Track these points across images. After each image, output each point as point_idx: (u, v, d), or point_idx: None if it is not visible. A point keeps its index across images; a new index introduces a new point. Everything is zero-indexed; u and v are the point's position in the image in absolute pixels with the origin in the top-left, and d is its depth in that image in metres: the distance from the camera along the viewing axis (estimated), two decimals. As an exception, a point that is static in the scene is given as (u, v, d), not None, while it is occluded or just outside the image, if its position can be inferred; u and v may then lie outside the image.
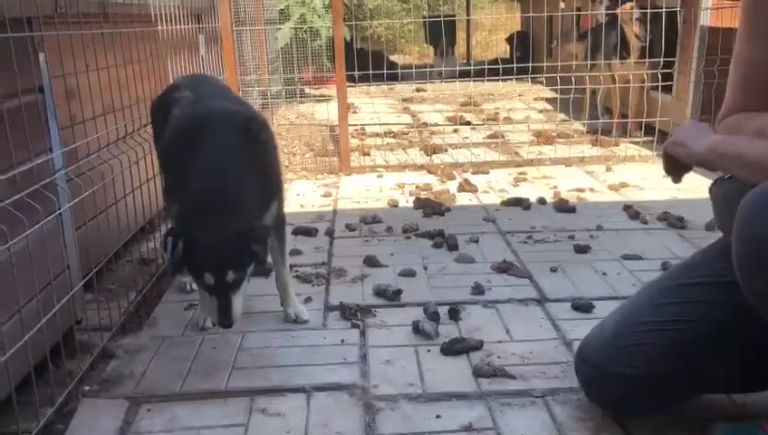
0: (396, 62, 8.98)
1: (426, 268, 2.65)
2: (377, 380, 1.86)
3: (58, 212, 1.90)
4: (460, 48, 10.93)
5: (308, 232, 3.09)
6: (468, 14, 11.38)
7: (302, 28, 6.46)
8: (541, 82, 7.62)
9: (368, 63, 4.74)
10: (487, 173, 4.21)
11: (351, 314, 2.24)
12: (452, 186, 3.89)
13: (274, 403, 1.76)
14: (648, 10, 4.59)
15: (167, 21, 3.25)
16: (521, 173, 4.17)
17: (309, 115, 6.23)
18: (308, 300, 2.37)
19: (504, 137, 5.10)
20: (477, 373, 1.86)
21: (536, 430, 1.63)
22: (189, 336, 2.15)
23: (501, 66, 4.87)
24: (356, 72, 4.79)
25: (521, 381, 1.83)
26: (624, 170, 4.19)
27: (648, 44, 4.65)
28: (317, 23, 6.66)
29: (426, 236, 3.01)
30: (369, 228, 3.17)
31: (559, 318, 2.20)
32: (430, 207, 3.43)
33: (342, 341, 2.09)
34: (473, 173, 4.20)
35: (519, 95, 7.35)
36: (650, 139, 4.60)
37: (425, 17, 10.24)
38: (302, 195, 3.84)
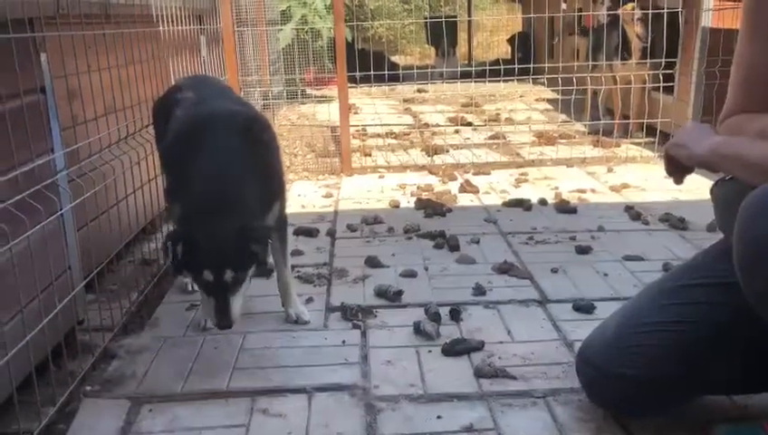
0: (397, 63, 8.98)
1: (427, 269, 2.65)
2: (378, 380, 1.86)
3: (60, 213, 1.90)
4: (461, 49, 10.92)
5: (309, 233, 3.10)
6: (470, 15, 11.38)
7: (303, 29, 6.46)
8: (542, 83, 7.60)
9: (369, 64, 4.74)
10: (488, 174, 4.21)
11: (353, 314, 2.24)
12: (453, 186, 3.89)
13: (276, 404, 1.76)
14: (650, 11, 4.59)
15: (168, 22, 3.25)
16: (522, 174, 4.17)
17: (310, 116, 6.23)
18: (309, 301, 2.37)
19: (505, 138, 5.10)
20: (478, 374, 1.86)
21: (537, 430, 1.63)
22: (191, 337, 2.16)
23: (502, 67, 4.89)
24: (357, 73, 4.79)
25: (522, 381, 1.83)
26: (625, 171, 4.19)
27: (649, 45, 4.65)
28: (318, 23, 6.67)
29: (427, 236, 3.01)
30: (371, 229, 3.17)
31: (560, 319, 2.20)
32: (431, 207, 3.43)
33: (343, 341, 2.09)
34: (474, 174, 4.20)
35: (520, 96, 7.35)
36: (652, 140, 4.60)
37: (426, 18, 10.25)
38: (303, 195, 3.84)
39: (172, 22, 3.31)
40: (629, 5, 4.83)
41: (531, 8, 5.68)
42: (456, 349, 1.99)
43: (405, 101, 7.46)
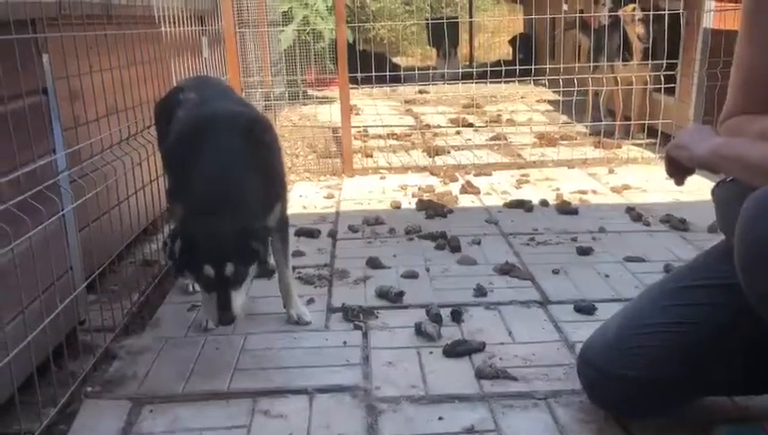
0: (398, 64, 8.99)
1: (428, 270, 2.65)
2: (379, 381, 1.86)
3: (61, 213, 1.90)
4: (463, 50, 10.93)
5: (311, 233, 3.10)
6: (471, 16, 11.39)
7: (305, 30, 6.47)
8: (543, 85, 7.62)
9: (370, 65, 4.74)
10: (490, 175, 4.21)
11: (354, 315, 2.24)
12: (454, 188, 3.89)
13: (277, 405, 1.76)
14: (651, 12, 4.59)
15: (170, 23, 3.26)
16: (523, 175, 4.17)
17: (312, 117, 6.24)
18: (310, 301, 2.37)
19: (506, 139, 5.10)
20: (479, 375, 1.86)
21: (538, 432, 1.63)
22: (192, 337, 2.16)
23: (503, 68, 4.87)
24: (359, 74, 4.80)
25: (523, 383, 1.83)
26: (626, 172, 4.19)
27: (650, 46, 4.65)
28: (320, 25, 6.67)
29: (428, 237, 3.01)
30: (372, 230, 3.17)
31: (561, 320, 2.19)
32: (433, 208, 3.43)
33: (345, 342, 2.09)
34: (475, 175, 4.20)
35: (521, 97, 7.35)
36: (653, 141, 4.60)
37: (427, 19, 10.25)
38: (304, 196, 3.85)
39: (174, 23, 3.32)
40: (630, 6, 4.83)
41: (532, 9, 5.68)
42: (458, 350, 1.98)
43: (406, 102, 7.46)
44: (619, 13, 4.91)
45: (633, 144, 4.76)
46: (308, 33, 6.39)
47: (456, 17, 10.84)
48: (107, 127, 2.37)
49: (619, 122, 4.99)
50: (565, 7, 6.93)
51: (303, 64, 6.38)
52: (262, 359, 2.00)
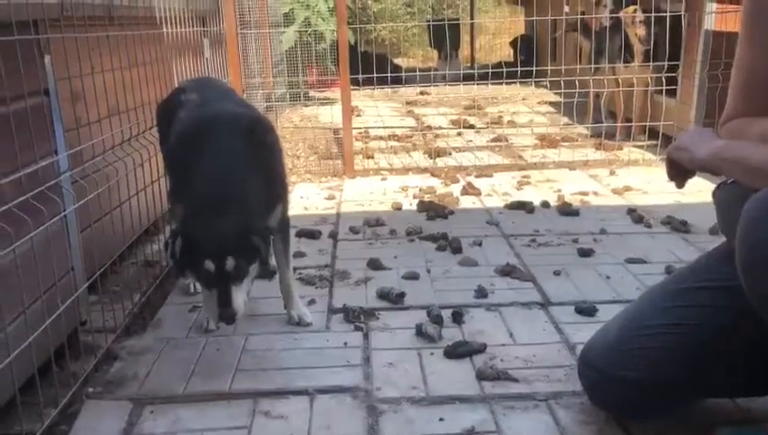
0: (400, 66, 9.00)
1: (429, 271, 2.65)
2: (380, 382, 1.86)
3: (63, 214, 1.90)
4: (464, 51, 10.94)
5: (311, 235, 3.10)
6: (472, 18, 11.40)
7: (306, 31, 6.48)
8: (544, 86, 7.64)
9: (372, 67, 4.75)
10: (491, 176, 4.21)
11: (355, 316, 2.24)
12: (455, 189, 3.89)
13: (278, 406, 1.76)
14: (653, 14, 4.59)
15: (172, 24, 3.26)
16: (524, 176, 4.17)
17: (313, 118, 6.24)
18: (311, 302, 2.37)
19: (507, 140, 5.10)
20: (480, 376, 1.86)
21: (539, 433, 1.63)
22: (193, 338, 2.16)
23: (505, 70, 4.87)
24: (360, 76, 4.80)
25: (524, 384, 1.83)
26: (628, 174, 4.19)
27: (651, 48, 4.65)
28: (321, 26, 6.68)
29: (429, 239, 3.01)
30: (373, 231, 3.17)
31: (562, 321, 2.19)
32: (434, 210, 3.43)
33: (345, 343, 2.09)
34: (476, 176, 4.20)
35: (523, 99, 7.35)
36: (654, 142, 4.60)
37: (429, 21, 10.25)
38: (305, 198, 3.85)
39: (175, 24, 3.32)
40: (631, 8, 4.83)
41: (533, 11, 5.69)
42: (458, 351, 1.98)
43: (407, 103, 7.47)
44: (620, 14, 4.91)
45: (634, 146, 4.76)
46: (309, 35, 6.40)
47: (458, 19, 10.85)
48: (109, 128, 2.37)
49: (620, 124, 4.99)
50: (566, 9, 6.94)
51: (305, 66, 6.39)
52: (263, 360, 2.00)
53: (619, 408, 1.64)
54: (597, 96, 5.30)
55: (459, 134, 5.44)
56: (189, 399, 1.81)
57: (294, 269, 2.42)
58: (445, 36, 7.18)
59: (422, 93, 7.94)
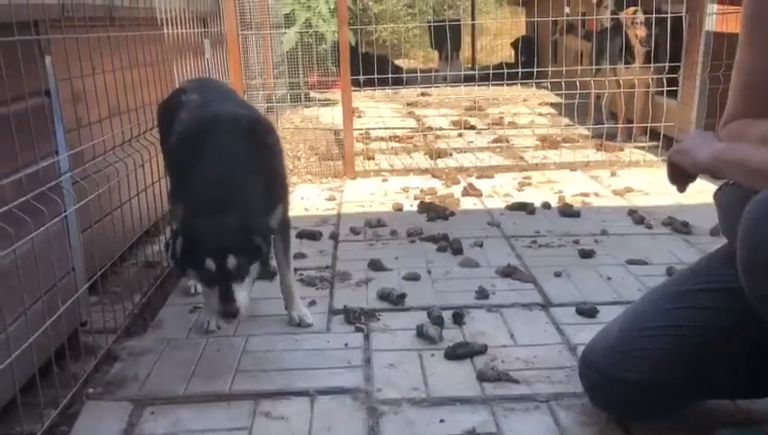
0: (401, 67, 9.01)
1: (430, 272, 2.65)
2: (380, 384, 1.86)
3: (64, 215, 1.90)
4: (465, 53, 10.94)
5: (312, 236, 3.10)
6: (473, 19, 11.40)
7: (307, 32, 6.47)
8: (546, 87, 7.64)
9: (373, 68, 4.75)
10: (492, 177, 4.21)
11: (355, 317, 2.24)
12: (456, 190, 3.89)
13: (278, 407, 1.76)
14: (654, 15, 4.59)
15: (172, 25, 3.27)
16: (525, 178, 4.17)
17: (314, 119, 6.24)
18: (312, 303, 2.37)
19: (508, 141, 5.10)
20: (481, 378, 1.86)
21: (540, 434, 1.63)
22: (194, 339, 2.16)
23: (506, 71, 4.87)
24: (361, 77, 4.81)
25: (525, 385, 1.83)
26: (629, 175, 4.19)
27: (652, 49, 4.65)
28: (322, 27, 6.67)
29: (430, 240, 3.01)
30: (374, 232, 3.17)
31: (563, 323, 2.19)
32: (434, 211, 3.43)
33: (346, 344, 2.09)
34: (477, 177, 4.20)
35: (524, 100, 7.35)
36: (655, 144, 4.60)
37: (430, 22, 10.26)
38: (306, 199, 3.85)
39: (176, 25, 3.32)
40: (632, 9, 4.83)
41: (534, 12, 5.69)
42: (459, 352, 1.98)
43: (408, 104, 7.47)
44: (620, 15, 4.91)
45: (635, 147, 4.76)
46: (310, 36, 6.40)
47: (459, 20, 10.85)
48: (109, 128, 2.37)
49: (621, 125, 4.99)
50: (567, 10, 6.94)
51: (306, 67, 6.39)
52: (263, 361, 2.00)
53: (620, 409, 1.64)
54: (598, 97, 5.30)
55: (460, 135, 5.44)
56: (190, 400, 1.81)
57: (295, 270, 2.42)
58: (446, 37, 7.21)
59: (423, 94, 7.94)
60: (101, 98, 2.30)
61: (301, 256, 2.81)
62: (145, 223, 2.75)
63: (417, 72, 7.13)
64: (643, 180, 4.01)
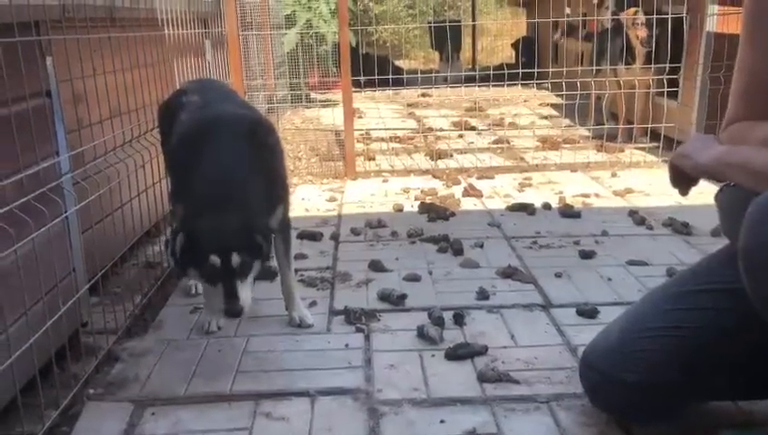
0: (401, 68, 9.01)
1: (430, 273, 2.65)
2: (381, 384, 1.86)
3: (64, 215, 1.91)
4: (465, 53, 10.94)
5: (313, 236, 3.10)
6: (474, 20, 11.39)
7: (308, 33, 6.48)
8: (546, 88, 7.64)
9: (373, 68, 4.75)
10: (492, 178, 4.21)
11: (356, 318, 2.24)
12: (457, 191, 3.89)
13: (279, 407, 1.76)
14: (654, 16, 4.59)
15: (173, 25, 3.27)
16: (526, 178, 4.17)
17: (314, 120, 6.24)
18: (313, 304, 2.37)
19: (509, 142, 5.10)
20: (482, 378, 1.86)
21: (540, 435, 1.63)
22: (194, 340, 2.16)
23: (506, 72, 4.87)
24: (361, 78, 4.81)
25: (525, 386, 1.83)
26: (629, 176, 4.19)
27: (653, 50, 4.65)
28: (323, 28, 6.68)
29: (430, 240, 3.01)
30: (374, 233, 3.17)
31: (564, 323, 2.19)
32: (435, 211, 3.43)
33: (347, 345, 2.09)
34: (478, 178, 4.20)
35: (524, 100, 7.35)
36: (656, 144, 4.60)
37: (430, 23, 10.26)
38: (307, 199, 3.85)
39: (177, 26, 3.32)
40: (632, 10, 4.83)
41: (535, 13, 5.69)
42: (460, 353, 1.98)
43: (409, 105, 7.47)
44: (621, 16, 4.91)
45: (636, 148, 4.76)
46: (311, 37, 6.40)
47: (459, 20, 10.84)
48: (110, 129, 2.37)
49: (621, 126, 4.99)
50: (568, 11, 6.94)
51: (306, 67, 6.39)
52: (264, 361, 2.00)
53: (621, 410, 1.64)
54: (598, 98, 5.30)
55: (461, 136, 5.44)
56: (190, 400, 1.81)
57: (296, 271, 2.42)
58: (446, 38, 7.21)
59: (423, 95, 7.94)
60: (102, 99, 2.30)
61: (301, 256, 2.81)
62: (146, 224, 2.76)
63: (417, 73, 7.14)
64: (644, 181, 4.01)
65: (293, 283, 2.29)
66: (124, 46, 2.49)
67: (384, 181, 4.24)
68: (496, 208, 3.54)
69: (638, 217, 3.26)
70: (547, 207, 3.52)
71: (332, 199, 3.83)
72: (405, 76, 8.30)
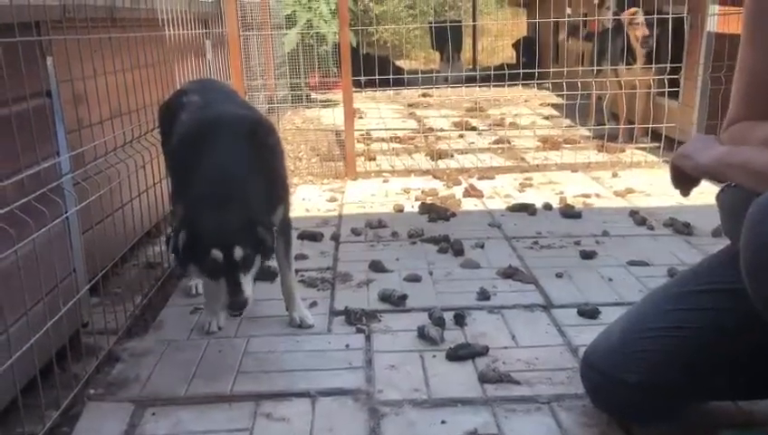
0: (402, 68, 9.01)
1: (431, 273, 2.65)
2: (382, 385, 1.85)
3: (65, 216, 1.91)
4: (466, 53, 10.93)
5: (313, 237, 3.10)
6: (474, 20, 11.39)
7: (308, 33, 6.48)
8: (547, 88, 7.63)
9: (374, 69, 4.75)
10: (493, 178, 4.21)
11: (356, 318, 2.23)
12: (457, 191, 3.89)
13: (279, 408, 1.76)
14: (655, 16, 4.59)
15: (174, 26, 3.27)
16: (526, 178, 4.16)
17: (315, 120, 6.24)
18: (313, 304, 2.37)
19: (509, 142, 5.10)
20: (483, 379, 1.86)
21: (541, 436, 1.63)
22: (195, 340, 2.16)
23: (507, 72, 4.87)
24: (362, 78, 4.80)
25: (526, 386, 1.83)
26: (630, 176, 4.18)
27: (653, 50, 4.65)
28: (323, 28, 6.68)
29: (431, 241, 3.01)
30: (375, 233, 3.17)
31: (564, 324, 2.19)
32: (436, 212, 3.43)
33: (347, 346, 2.09)
34: (478, 178, 4.20)
35: (525, 101, 7.35)
36: (657, 145, 4.59)
37: (431, 23, 10.26)
38: (307, 199, 3.85)
39: (178, 26, 3.32)
40: (633, 10, 4.83)
41: (536, 13, 5.69)
42: (460, 354, 1.98)
43: (409, 105, 7.47)
44: (621, 16, 4.91)
45: (637, 148, 4.76)
46: (311, 37, 6.40)
47: (460, 21, 10.85)
48: (111, 130, 2.37)
49: (622, 126, 4.99)
50: (569, 11, 6.94)
51: (307, 68, 6.39)
52: (264, 362, 2.00)
53: (622, 410, 1.64)
54: (599, 98, 5.30)
55: (461, 136, 5.44)
56: (191, 401, 1.81)
57: (296, 271, 2.42)
58: (447, 38, 7.22)
59: (424, 95, 7.94)
60: (103, 99, 2.30)
61: (302, 257, 2.81)
62: (146, 224, 2.76)
63: (418, 73, 7.15)
64: (644, 181, 4.01)
65: (294, 283, 2.28)
66: (125, 46, 2.49)
67: (384, 181, 4.24)
68: (497, 209, 3.54)
69: (638, 218, 3.26)
70: (548, 207, 3.52)
71: (333, 200, 3.83)
72: (405, 76, 8.31)
